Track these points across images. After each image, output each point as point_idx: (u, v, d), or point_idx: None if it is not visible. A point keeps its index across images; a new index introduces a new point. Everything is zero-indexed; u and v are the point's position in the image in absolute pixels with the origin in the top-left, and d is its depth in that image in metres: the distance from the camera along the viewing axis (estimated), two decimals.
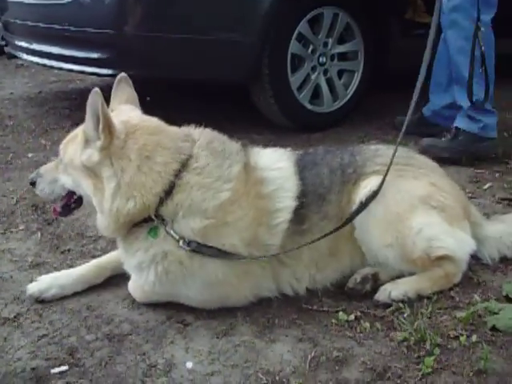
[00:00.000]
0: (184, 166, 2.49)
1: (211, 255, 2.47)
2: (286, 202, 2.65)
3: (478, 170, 4.24)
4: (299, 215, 2.66)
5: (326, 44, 5.04)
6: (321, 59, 5.03)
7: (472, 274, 2.86)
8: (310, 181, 2.73)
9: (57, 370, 2.29)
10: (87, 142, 2.48)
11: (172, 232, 2.45)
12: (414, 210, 2.69)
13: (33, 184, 2.74)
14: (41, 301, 2.69)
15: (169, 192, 2.45)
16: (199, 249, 2.45)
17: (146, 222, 2.50)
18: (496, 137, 4.44)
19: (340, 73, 5.24)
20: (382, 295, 2.66)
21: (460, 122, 4.41)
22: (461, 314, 2.55)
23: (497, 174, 4.18)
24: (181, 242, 2.44)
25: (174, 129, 2.66)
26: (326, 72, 5.10)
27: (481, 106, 4.26)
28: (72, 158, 2.55)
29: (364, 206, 2.68)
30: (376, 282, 2.71)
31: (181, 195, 2.46)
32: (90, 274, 2.80)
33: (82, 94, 6.43)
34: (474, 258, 2.92)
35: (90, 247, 3.19)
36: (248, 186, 2.59)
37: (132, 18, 4.46)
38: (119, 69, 4.58)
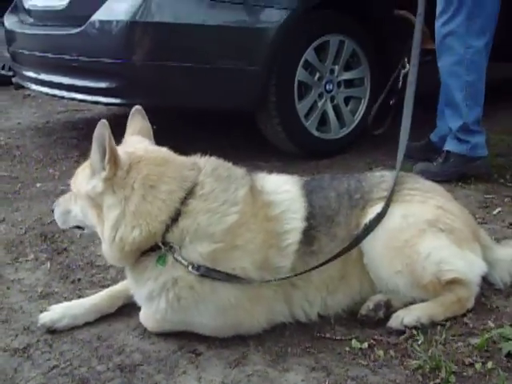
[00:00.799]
0: (190, 193, 2.51)
1: (221, 279, 2.46)
2: (294, 223, 2.65)
3: (488, 196, 4.23)
4: (308, 236, 2.66)
5: (332, 71, 5.07)
6: (327, 86, 5.05)
7: (485, 300, 2.84)
8: (318, 203, 2.74)
9: None
10: (93, 173, 2.51)
11: (180, 258, 2.45)
12: (422, 234, 2.67)
13: (53, 211, 2.85)
14: (52, 331, 2.68)
15: (175, 219, 2.46)
16: (208, 273, 2.45)
17: (154, 250, 2.50)
18: (486, 155, 4.51)
19: (347, 99, 5.26)
20: (394, 322, 2.64)
21: (449, 145, 4.50)
22: (475, 341, 2.53)
23: (506, 199, 4.17)
24: (190, 267, 2.44)
25: (180, 158, 2.68)
26: (332, 99, 5.12)
27: (469, 128, 4.38)
28: (79, 189, 2.61)
29: (369, 228, 2.68)
30: (389, 309, 2.68)
31: (187, 221, 2.47)
32: (103, 304, 2.79)
33: (89, 124, 6.47)
34: (487, 283, 2.91)
35: (99, 277, 3.18)
36: (255, 208, 2.60)
37: (140, 47, 4.49)
38: (127, 98, 4.71)
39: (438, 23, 4.32)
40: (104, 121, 2.40)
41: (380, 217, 2.69)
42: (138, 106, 2.84)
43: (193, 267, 2.43)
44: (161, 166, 2.55)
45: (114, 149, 2.44)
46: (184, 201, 2.49)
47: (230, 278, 2.47)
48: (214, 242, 2.46)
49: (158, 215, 2.45)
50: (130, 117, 2.82)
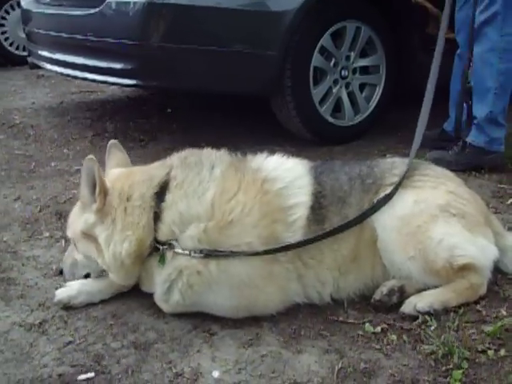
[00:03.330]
0: (164, 188, 2.59)
1: (225, 255, 2.49)
2: (299, 198, 2.67)
3: (501, 185, 4.21)
4: (319, 215, 2.68)
5: (348, 57, 5.05)
6: (343, 72, 5.04)
7: (498, 289, 2.84)
8: (329, 184, 2.76)
9: (83, 376, 2.29)
10: (84, 208, 2.66)
11: (180, 250, 2.51)
12: (434, 219, 2.68)
13: (61, 273, 2.89)
14: (68, 307, 2.70)
15: (157, 218, 2.55)
16: (211, 252, 2.49)
17: (157, 250, 2.57)
18: (503, 151, 4.49)
19: (362, 86, 5.24)
20: (407, 308, 2.65)
21: (469, 135, 4.45)
22: (488, 328, 2.53)
23: None
24: (192, 253, 2.49)
25: (149, 165, 2.80)
26: (347, 85, 5.11)
27: (495, 118, 4.34)
28: (74, 231, 2.73)
29: (375, 206, 2.71)
30: (402, 295, 2.69)
31: (169, 214, 2.54)
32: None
33: (103, 105, 6.51)
34: (500, 271, 2.91)
35: None
36: (244, 183, 2.61)
37: (156, 29, 4.48)
38: (143, 80, 4.71)
39: (476, 11, 4.27)
40: (91, 156, 2.54)
41: (388, 197, 2.71)
42: (113, 141, 2.95)
43: (194, 252, 2.49)
44: (129, 178, 2.67)
45: (103, 181, 2.57)
46: (159, 197, 2.57)
47: (233, 253, 2.50)
48: (201, 222, 2.51)
49: (140, 221, 2.55)
50: (107, 151, 2.92)
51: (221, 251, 2.49)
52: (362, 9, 5.09)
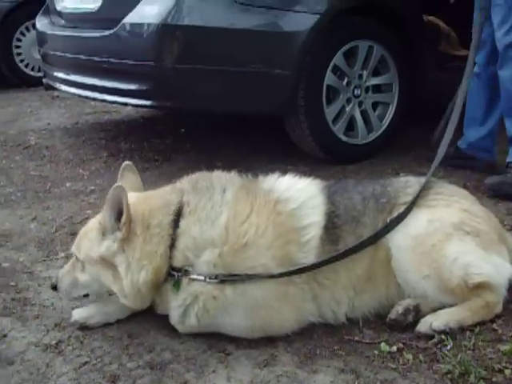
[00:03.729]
0: (178, 215, 2.59)
1: (240, 280, 2.50)
2: (312, 218, 2.67)
3: None
4: (333, 235, 2.68)
5: (360, 76, 5.06)
6: (356, 91, 5.05)
7: None
8: (342, 204, 2.76)
9: None
10: (104, 234, 2.61)
11: (195, 276, 2.52)
12: (448, 238, 2.67)
13: (54, 288, 2.80)
14: (84, 327, 2.71)
15: (172, 244, 2.56)
16: (227, 277, 2.50)
17: (171, 275, 2.58)
18: None
19: (374, 105, 5.25)
20: (423, 327, 2.63)
21: None
22: (505, 347, 2.52)
23: None
24: (207, 279, 2.50)
25: (161, 189, 2.80)
26: (360, 104, 5.12)
27: None
28: (88, 253, 2.65)
29: (388, 225, 2.71)
30: (418, 314, 2.68)
31: (183, 240, 2.55)
32: None
33: (118, 125, 6.55)
34: None
35: None
36: (256, 205, 2.62)
37: (170, 50, 4.51)
38: (157, 100, 4.75)
39: (498, 34, 4.26)
40: (120, 183, 2.54)
41: (401, 217, 2.72)
42: (127, 162, 2.91)
43: (210, 278, 2.50)
44: (147, 203, 2.66)
45: (130, 211, 2.54)
46: (175, 224, 2.58)
47: (249, 276, 2.50)
48: (216, 247, 2.52)
49: (157, 249, 2.55)
50: (120, 173, 2.88)
51: (236, 275, 2.50)
52: (374, 28, 5.11)
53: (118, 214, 2.54)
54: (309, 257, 2.61)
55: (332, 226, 2.70)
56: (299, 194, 2.74)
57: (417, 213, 2.75)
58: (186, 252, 2.55)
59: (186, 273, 2.54)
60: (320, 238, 2.65)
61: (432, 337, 2.58)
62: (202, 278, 2.50)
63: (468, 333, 2.61)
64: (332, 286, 2.66)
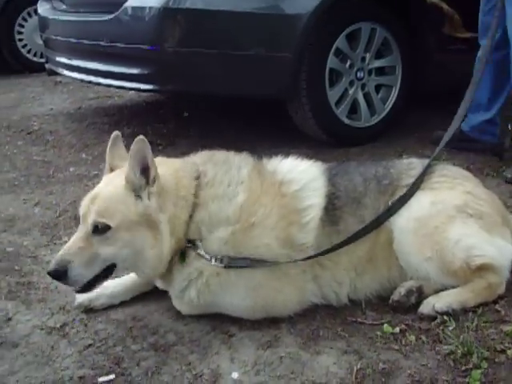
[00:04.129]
0: (198, 185, 2.58)
1: (246, 266, 2.52)
2: (313, 199, 2.69)
3: None
4: (333, 216, 2.70)
5: (363, 59, 5.04)
6: (358, 74, 5.03)
7: None
8: (343, 186, 2.77)
9: (104, 378, 2.32)
10: (136, 192, 2.47)
11: (203, 253, 2.51)
12: (451, 220, 2.68)
13: (58, 277, 2.42)
14: (89, 310, 2.73)
15: (191, 215, 2.55)
16: (233, 263, 2.50)
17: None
18: None
19: (378, 87, 5.23)
20: (425, 308, 2.64)
21: None
22: (507, 328, 2.52)
23: None
24: (213, 261, 2.50)
25: (178, 159, 2.81)
26: (363, 87, 5.10)
27: None
28: (125, 216, 2.44)
29: (391, 208, 2.72)
30: (420, 295, 2.69)
31: (200, 213, 2.54)
32: (138, 282, 2.83)
33: (121, 110, 6.54)
34: None
35: None
36: (264, 186, 2.65)
37: (172, 34, 4.50)
38: (159, 84, 4.75)
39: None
40: (142, 137, 2.42)
41: (404, 198, 2.72)
42: (117, 133, 2.73)
43: (216, 260, 2.50)
44: (169, 166, 2.63)
45: (155, 164, 2.49)
46: (196, 193, 2.57)
47: (254, 262, 2.52)
48: (230, 225, 2.53)
49: (182, 215, 2.54)
50: (111, 142, 2.69)
51: (242, 258, 2.51)
52: (377, 10, 5.08)
53: (143, 170, 2.45)
54: (308, 237, 2.63)
55: (332, 208, 2.71)
56: (301, 175, 2.76)
57: (420, 195, 2.75)
58: (201, 225, 2.54)
59: (194, 246, 2.54)
60: (320, 219, 2.67)
61: (435, 318, 2.59)
62: (209, 257, 2.50)
63: (471, 314, 2.61)
64: (333, 268, 2.67)
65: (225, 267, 2.50)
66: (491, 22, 4.09)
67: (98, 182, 3.98)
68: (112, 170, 2.67)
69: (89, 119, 6.25)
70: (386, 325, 2.56)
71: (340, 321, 2.63)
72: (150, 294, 2.82)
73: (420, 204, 2.72)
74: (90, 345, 2.52)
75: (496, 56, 4.47)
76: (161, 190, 2.49)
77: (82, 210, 2.49)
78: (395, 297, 2.69)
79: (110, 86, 5.41)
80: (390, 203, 2.74)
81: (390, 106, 5.25)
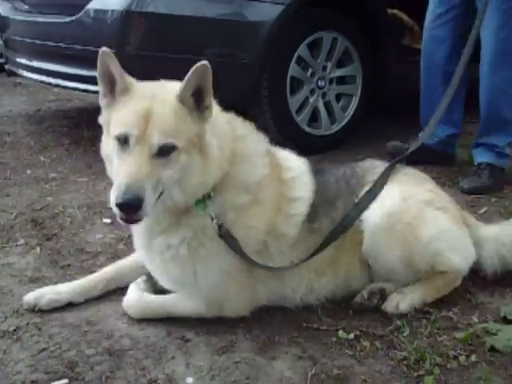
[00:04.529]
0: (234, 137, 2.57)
1: (233, 248, 2.49)
2: (304, 193, 2.72)
3: (475, 195, 4.27)
4: (312, 213, 2.72)
5: (324, 68, 5.10)
6: (319, 82, 5.09)
7: (470, 296, 2.88)
8: (320, 185, 2.79)
9: (57, 383, 2.28)
10: (190, 113, 2.37)
11: (210, 209, 2.47)
12: (421, 216, 2.73)
13: (132, 208, 2.22)
14: (38, 311, 2.70)
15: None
16: (226, 236, 2.47)
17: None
18: None
19: (338, 96, 5.30)
20: (389, 306, 2.71)
21: (491, 158, 4.52)
22: (460, 335, 2.57)
23: (493, 199, 4.21)
24: (214, 222, 2.46)
25: None
26: (324, 95, 5.16)
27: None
28: (187, 138, 2.33)
29: (358, 204, 2.76)
30: (383, 298, 2.74)
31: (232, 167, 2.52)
32: (88, 285, 2.81)
33: (81, 113, 6.49)
34: (473, 280, 2.96)
35: (89, 263, 3.19)
36: (272, 167, 2.66)
37: (134, 37, 4.49)
38: None
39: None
40: (206, 62, 2.33)
41: (370, 193, 2.77)
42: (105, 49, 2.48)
43: (216, 222, 2.46)
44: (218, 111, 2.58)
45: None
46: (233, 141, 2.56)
47: (241, 252, 2.50)
48: (248, 194, 2.53)
49: (225, 160, 2.49)
50: (103, 59, 2.46)
51: (235, 241, 2.49)
52: (339, 20, 5.14)
53: (197, 93, 2.36)
54: (292, 230, 2.66)
55: (313, 205, 2.73)
56: (297, 165, 2.79)
57: (390, 190, 2.79)
58: (223, 181, 2.50)
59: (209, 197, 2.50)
60: (305, 215, 2.69)
61: (389, 324, 2.63)
62: (213, 215, 2.46)
63: (424, 320, 2.66)
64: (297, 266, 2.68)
65: (219, 235, 2.47)
66: (445, 35, 4.20)
67: (57, 186, 3.97)
68: (127, 88, 2.41)
69: (48, 121, 6.18)
70: (340, 331, 2.58)
71: (295, 327, 2.64)
72: (106, 299, 2.80)
73: (391, 199, 2.75)
74: (43, 349, 2.49)
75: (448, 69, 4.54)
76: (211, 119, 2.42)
77: (133, 130, 2.26)
78: (358, 299, 2.74)
79: (70, 88, 5.35)
80: (356, 200, 2.78)
81: (351, 114, 5.32)
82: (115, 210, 2.25)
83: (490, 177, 4.44)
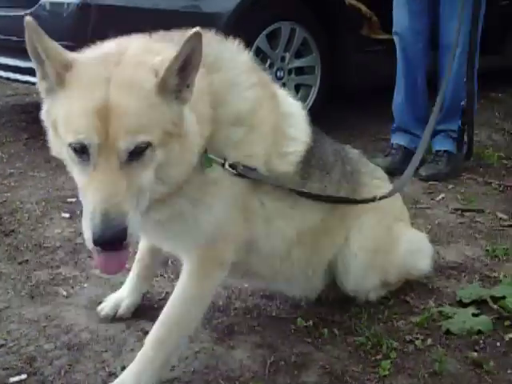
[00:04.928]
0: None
1: (256, 177, 2.22)
2: (301, 134, 2.43)
3: (432, 182, 4.34)
4: (304, 170, 2.43)
5: (283, 58, 5.11)
6: (278, 73, 5.10)
7: (427, 281, 2.94)
8: (318, 148, 2.52)
9: (15, 378, 2.27)
10: (168, 95, 1.89)
11: (214, 156, 2.11)
12: (391, 234, 2.72)
13: (118, 240, 1.77)
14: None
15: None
16: (245, 172, 2.16)
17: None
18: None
19: (297, 87, 5.31)
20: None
21: (448, 145, 4.63)
22: (416, 319, 2.62)
23: (450, 186, 4.29)
24: (226, 165, 2.12)
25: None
26: (283, 86, 5.15)
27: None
28: (163, 129, 1.86)
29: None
30: None
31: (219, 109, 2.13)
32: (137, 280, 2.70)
33: (39, 107, 6.37)
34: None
35: (48, 258, 3.16)
36: (263, 91, 2.29)
37: (90, 30, 4.44)
38: None
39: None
40: (201, 30, 1.88)
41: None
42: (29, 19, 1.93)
43: (229, 165, 2.12)
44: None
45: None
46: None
47: (264, 176, 2.26)
48: (241, 126, 2.19)
49: (206, 113, 2.08)
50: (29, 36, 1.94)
51: (253, 170, 2.20)
52: (297, 10, 5.15)
53: (182, 68, 1.86)
54: (288, 167, 2.36)
55: (307, 161, 2.44)
56: (295, 104, 2.53)
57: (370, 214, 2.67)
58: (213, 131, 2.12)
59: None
60: (302, 157, 2.40)
61: (347, 310, 2.67)
62: (221, 160, 2.12)
63: (382, 306, 2.70)
64: (282, 225, 2.43)
65: (238, 175, 2.15)
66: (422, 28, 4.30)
67: (15, 181, 3.90)
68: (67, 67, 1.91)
69: (5, 116, 6.09)
70: (299, 318, 2.61)
71: (255, 315, 2.66)
72: (65, 294, 2.79)
73: (372, 226, 2.66)
74: (1, 345, 2.46)
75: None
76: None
77: (91, 138, 1.76)
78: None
79: (27, 82, 5.27)
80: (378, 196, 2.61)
81: (310, 105, 5.32)
82: (92, 247, 1.80)
83: (447, 164, 4.52)
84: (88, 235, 1.77)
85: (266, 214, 2.37)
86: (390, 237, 2.71)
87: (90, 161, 1.79)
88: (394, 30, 4.65)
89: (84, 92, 1.82)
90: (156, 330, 2.22)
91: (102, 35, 4.39)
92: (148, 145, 1.81)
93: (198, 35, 1.84)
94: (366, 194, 2.65)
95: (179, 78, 1.87)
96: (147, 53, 1.97)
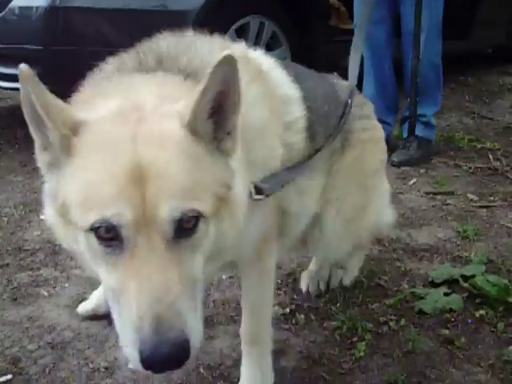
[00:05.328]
0: None
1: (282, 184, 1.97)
2: (292, 91, 2.14)
3: (404, 168, 4.42)
4: (309, 130, 2.17)
5: None
6: None
7: (400, 264, 3.02)
8: (310, 95, 2.20)
9: (1, 379, 2.31)
10: (210, 145, 1.54)
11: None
12: (368, 199, 2.63)
13: (181, 360, 1.39)
14: None
15: None
16: (270, 188, 1.86)
17: None
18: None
19: None
20: (334, 283, 2.83)
21: (420, 131, 4.76)
22: (390, 301, 2.70)
23: (421, 170, 4.38)
24: (253, 194, 1.79)
25: None
26: None
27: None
28: (216, 194, 1.50)
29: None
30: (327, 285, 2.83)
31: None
32: None
33: (13, 112, 6.39)
34: (402, 248, 3.09)
35: (28, 260, 3.19)
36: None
37: (60, 33, 4.46)
38: (49, 85, 4.64)
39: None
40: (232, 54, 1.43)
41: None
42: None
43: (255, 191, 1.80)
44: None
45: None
46: None
47: (284, 175, 1.99)
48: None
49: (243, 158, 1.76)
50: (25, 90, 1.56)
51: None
52: (265, 4, 5.21)
53: (215, 109, 1.49)
54: (295, 138, 2.09)
55: (309, 120, 2.17)
56: (272, 64, 2.18)
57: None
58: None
59: None
60: (304, 122, 2.14)
61: (323, 295, 2.73)
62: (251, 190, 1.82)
63: (356, 290, 2.78)
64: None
65: (266, 196, 1.83)
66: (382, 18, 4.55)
67: None
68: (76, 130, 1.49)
69: None
70: (276, 306, 2.67)
71: (234, 306, 2.72)
72: (46, 294, 2.83)
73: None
74: None
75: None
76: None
77: (124, 213, 1.35)
78: (304, 288, 2.82)
79: (1, 87, 5.29)
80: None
81: None
82: (140, 367, 1.37)
83: (418, 149, 4.61)
84: (133, 354, 1.35)
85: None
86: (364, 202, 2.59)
87: (124, 246, 1.38)
88: (354, 22, 4.73)
89: (104, 156, 1.41)
90: (248, 327, 2.22)
91: (71, 38, 4.48)
92: (198, 217, 1.42)
93: (230, 60, 1.40)
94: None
95: (213, 122, 1.50)
96: (165, 99, 1.56)
